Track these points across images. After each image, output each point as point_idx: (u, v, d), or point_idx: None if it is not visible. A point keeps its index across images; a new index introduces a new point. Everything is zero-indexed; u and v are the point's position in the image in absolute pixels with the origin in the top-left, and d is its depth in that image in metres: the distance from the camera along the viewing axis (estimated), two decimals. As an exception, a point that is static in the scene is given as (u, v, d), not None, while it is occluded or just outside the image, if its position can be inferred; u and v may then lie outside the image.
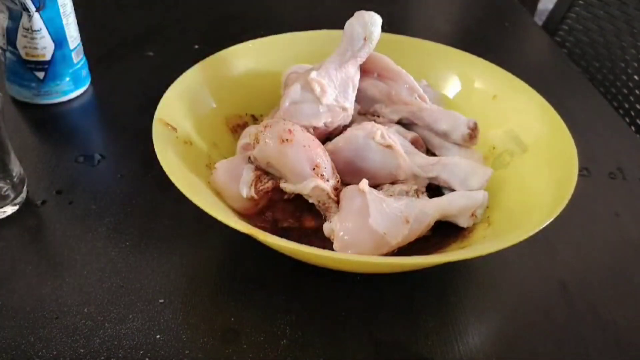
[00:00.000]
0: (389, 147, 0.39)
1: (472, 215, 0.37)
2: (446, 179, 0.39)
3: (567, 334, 0.35)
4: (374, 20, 0.41)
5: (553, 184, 0.36)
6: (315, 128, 0.40)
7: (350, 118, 0.42)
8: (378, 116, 0.45)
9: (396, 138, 0.40)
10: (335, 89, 0.41)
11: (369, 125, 0.39)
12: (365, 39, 0.41)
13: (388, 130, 0.40)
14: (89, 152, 0.47)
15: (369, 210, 0.34)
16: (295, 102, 0.40)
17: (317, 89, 0.40)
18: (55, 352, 0.31)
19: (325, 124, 0.40)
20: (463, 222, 0.37)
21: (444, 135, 0.43)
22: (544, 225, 0.32)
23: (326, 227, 0.36)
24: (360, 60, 0.42)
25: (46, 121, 0.51)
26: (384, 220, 0.34)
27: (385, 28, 0.41)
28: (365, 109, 0.45)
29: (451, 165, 0.39)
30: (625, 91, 0.81)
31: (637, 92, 0.79)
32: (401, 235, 0.34)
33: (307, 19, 0.74)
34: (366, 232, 0.34)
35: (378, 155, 0.39)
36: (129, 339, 0.32)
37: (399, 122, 0.45)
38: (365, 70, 0.44)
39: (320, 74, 0.40)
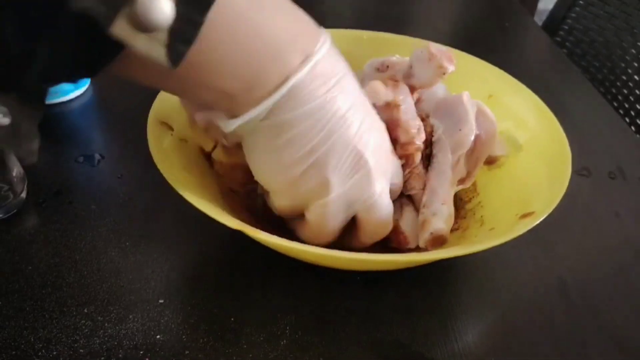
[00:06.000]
0: None
1: None
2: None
3: (566, 333, 0.35)
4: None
5: (547, 183, 0.36)
6: None
7: None
8: None
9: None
10: None
11: None
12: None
13: None
14: (89, 152, 0.47)
15: None
16: None
17: None
18: (55, 352, 0.31)
19: None
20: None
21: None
22: (537, 223, 0.31)
23: None
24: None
25: (46, 121, 0.51)
26: None
27: (385, 27, 0.41)
28: None
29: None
30: (625, 91, 0.81)
31: (637, 92, 0.79)
32: None
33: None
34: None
35: None
36: (129, 339, 0.32)
37: None
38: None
39: None
